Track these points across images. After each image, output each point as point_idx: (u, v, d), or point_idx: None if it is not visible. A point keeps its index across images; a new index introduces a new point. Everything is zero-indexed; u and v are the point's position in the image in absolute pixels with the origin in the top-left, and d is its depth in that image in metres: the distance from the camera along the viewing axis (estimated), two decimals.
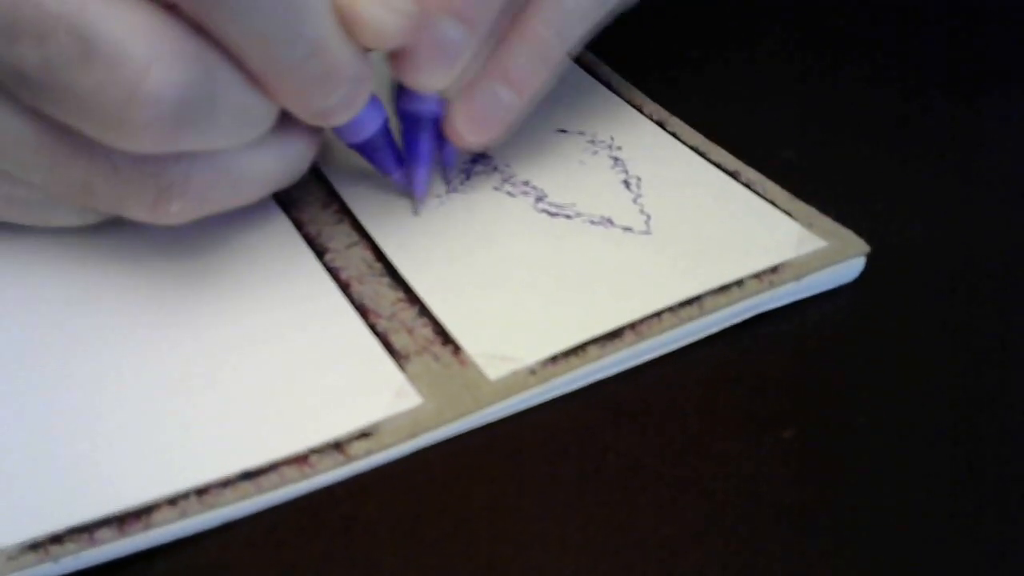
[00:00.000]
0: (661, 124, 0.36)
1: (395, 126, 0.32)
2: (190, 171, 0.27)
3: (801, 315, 0.30)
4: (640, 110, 0.37)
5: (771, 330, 0.30)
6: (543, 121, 0.36)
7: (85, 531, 0.23)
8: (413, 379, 0.27)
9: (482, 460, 0.26)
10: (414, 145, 0.32)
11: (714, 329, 0.29)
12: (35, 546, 0.23)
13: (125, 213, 0.28)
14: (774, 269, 0.30)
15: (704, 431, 0.27)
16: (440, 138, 0.32)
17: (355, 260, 0.31)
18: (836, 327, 0.30)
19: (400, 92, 0.32)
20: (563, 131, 0.36)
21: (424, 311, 0.29)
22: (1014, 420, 0.28)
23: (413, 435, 0.26)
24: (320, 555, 0.24)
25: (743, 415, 0.28)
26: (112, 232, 0.31)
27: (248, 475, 0.25)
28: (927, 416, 0.28)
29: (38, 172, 0.27)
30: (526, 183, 0.34)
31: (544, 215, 0.32)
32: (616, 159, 0.35)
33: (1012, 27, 0.45)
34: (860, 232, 0.32)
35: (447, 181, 0.34)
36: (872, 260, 0.31)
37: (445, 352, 0.28)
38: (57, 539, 0.23)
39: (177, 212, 0.27)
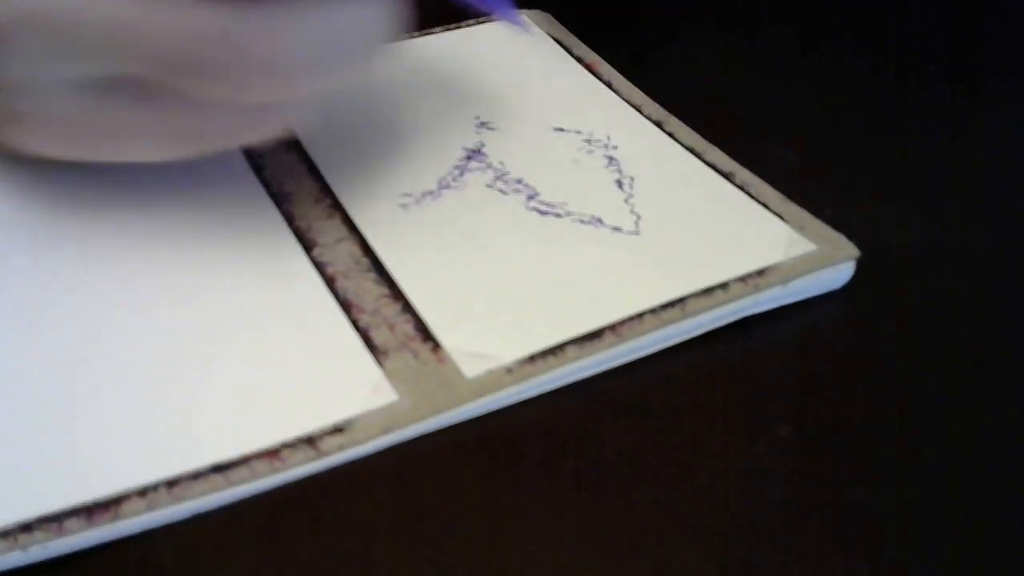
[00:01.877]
0: (659, 124, 0.36)
1: None
2: (299, 28, 0.27)
3: (799, 313, 0.30)
4: (639, 110, 0.37)
5: (769, 328, 0.30)
6: (540, 119, 0.36)
7: (54, 520, 0.23)
8: (391, 375, 0.27)
9: (478, 456, 0.26)
10: None
11: (697, 332, 0.29)
12: (4, 534, 0.23)
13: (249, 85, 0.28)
14: (760, 272, 0.30)
15: (701, 428, 0.27)
16: None
17: (343, 255, 0.31)
18: (834, 325, 0.30)
19: None
20: (560, 129, 0.36)
21: (407, 307, 0.29)
22: (1011, 417, 0.28)
23: (387, 431, 0.26)
24: (315, 552, 0.24)
25: (740, 412, 0.28)
26: (94, 219, 0.31)
27: (219, 468, 0.25)
28: (923, 414, 0.28)
29: (143, 57, 0.27)
30: (519, 181, 0.34)
31: (534, 213, 0.32)
32: (611, 158, 0.35)
33: (1012, 25, 0.44)
34: (855, 229, 0.31)
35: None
36: (869, 257, 0.31)
37: (424, 349, 0.28)
38: (26, 528, 0.23)
39: (296, 80, 0.28)
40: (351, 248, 0.31)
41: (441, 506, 0.25)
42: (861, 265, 0.31)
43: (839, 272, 0.31)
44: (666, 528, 0.25)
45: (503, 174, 0.34)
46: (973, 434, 0.28)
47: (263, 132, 0.30)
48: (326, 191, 0.33)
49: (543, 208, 0.33)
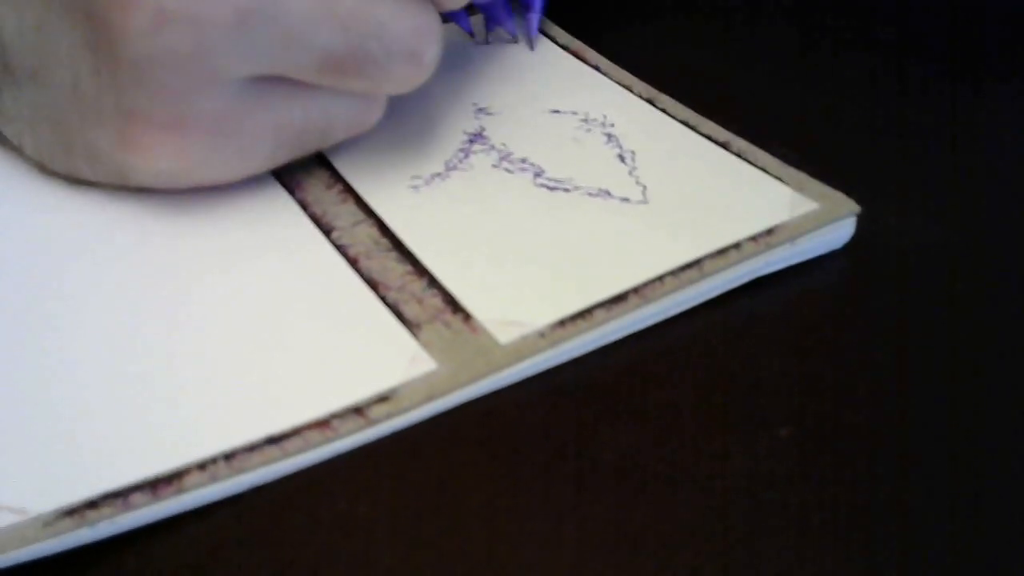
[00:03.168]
0: (651, 101, 0.37)
1: None
2: (434, 20, 0.31)
3: (799, 313, 0.31)
4: (630, 90, 0.38)
5: (768, 327, 0.30)
6: (536, 103, 0.37)
7: (119, 496, 0.24)
8: (426, 346, 0.28)
9: (478, 457, 0.27)
10: None
11: (715, 292, 0.30)
12: (71, 512, 0.23)
13: (388, 79, 0.31)
14: (769, 231, 0.31)
15: (701, 429, 0.27)
16: None
17: (361, 237, 0.31)
18: (834, 325, 0.31)
19: None
20: (556, 112, 0.37)
21: (433, 282, 0.30)
22: (1012, 417, 0.28)
23: (430, 398, 0.27)
24: (315, 552, 0.24)
25: (740, 413, 0.28)
26: (134, 213, 0.32)
27: (273, 440, 0.25)
28: (926, 414, 0.28)
29: (316, 49, 0.29)
30: (523, 160, 0.34)
31: (543, 189, 0.33)
32: (610, 135, 0.36)
33: (1012, 24, 0.45)
34: (859, 223, 0.32)
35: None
36: (868, 256, 0.32)
37: (456, 320, 0.29)
38: (92, 504, 0.23)
39: (428, 65, 0.31)
40: (369, 230, 0.32)
41: (441, 506, 0.25)
42: (860, 263, 0.32)
43: (842, 229, 0.32)
44: (666, 529, 0.25)
45: (507, 154, 0.35)
46: (974, 434, 0.28)
47: (357, 126, 0.32)
48: (336, 177, 0.34)
49: (551, 184, 0.33)
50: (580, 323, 0.29)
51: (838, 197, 0.32)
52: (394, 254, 0.31)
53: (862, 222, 0.32)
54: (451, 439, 0.27)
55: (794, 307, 0.31)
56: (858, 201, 0.32)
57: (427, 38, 0.31)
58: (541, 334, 0.28)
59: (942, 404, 0.28)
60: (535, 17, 0.41)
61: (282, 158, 0.32)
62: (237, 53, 0.28)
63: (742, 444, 0.27)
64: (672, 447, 0.27)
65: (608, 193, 0.33)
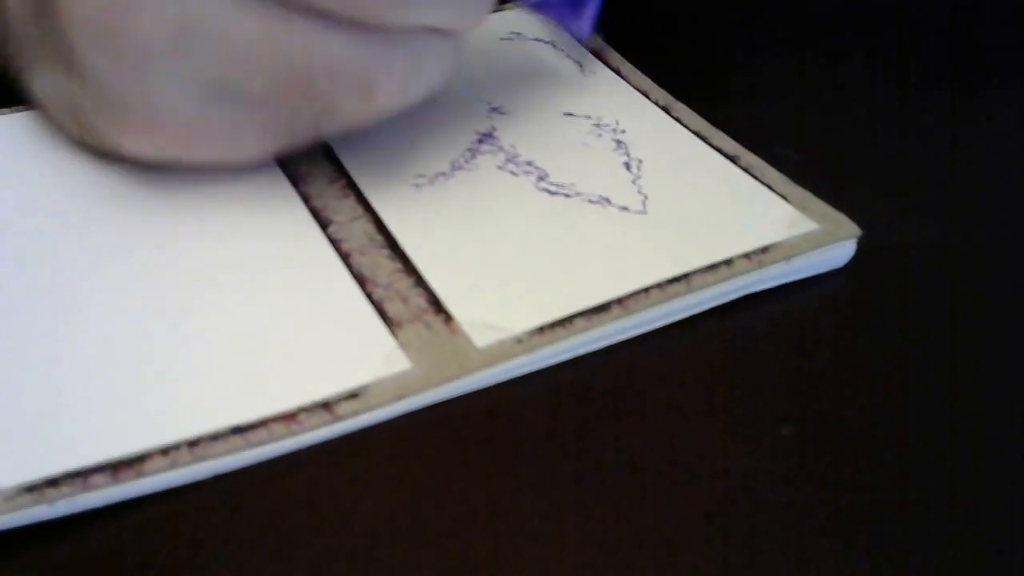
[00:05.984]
0: (666, 110, 0.37)
1: None
2: (394, 57, 0.29)
3: (800, 313, 0.31)
4: (647, 96, 0.38)
5: (770, 327, 0.30)
6: (550, 104, 0.37)
7: (80, 476, 0.24)
8: (404, 345, 0.28)
9: (479, 458, 0.27)
10: None
11: (702, 307, 0.30)
12: (31, 488, 0.24)
13: (337, 110, 0.30)
14: (764, 249, 0.31)
15: (703, 429, 0.27)
16: None
17: (357, 233, 0.32)
18: (836, 324, 0.31)
19: None
20: (569, 114, 0.37)
21: (420, 281, 0.30)
22: (1012, 417, 0.28)
23: (400, 397, 0.27)
24: (315, 552, 0.24)
25: (742, 413, 0.28)
26: (125, 201, 0.32)
27: (238, 429, 0.26)
28: (927, 413, 0.28)
29: (261, 74, 0.29)
30: (529, 163, 0.34)
31: (544, 193, 0.33)
32: (619, 142, 0.36)
33: (1011, 25, 0.45)
34: (862, 227, 0.32)
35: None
36: (871, 256, 0.32)
37: (437, 320, 0.29)
38: (53, 483, 0.24)
39: (384, 100, 0.30)
40: (365, 226, 0.32)
41: (441, 507, 0.25)
42: (862, 265, 0.32)
43: (841, 250, 0.32)
44: (667, 530, 0.25)
45: (514, 156, 0.35)
46: (974, 434, 0.28)
47: (350, 123, 0.31)
48: (341, 172, 0.34)
49: (552, 189, 0.33)
50: (559, 330, 0.29)
51: (840, 218, 0.32)
52: (386, 251, 0.31)
53: (865, 228, 0.32)
54: (454, 439, 0.27)
55: (796, 308, 0.31)
56: (863, 210, 0.32)
57: (384, 76, 0.29)
58: (518, 339, 0.28)
59: (943, 404, 0.28)
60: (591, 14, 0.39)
61: (275, 148, 0.32)
62: (180, 66, 0.28)
63: (743, 443, 0.27)
64: (674, 446, 0.27)
65: (608, 201, 0.33)
